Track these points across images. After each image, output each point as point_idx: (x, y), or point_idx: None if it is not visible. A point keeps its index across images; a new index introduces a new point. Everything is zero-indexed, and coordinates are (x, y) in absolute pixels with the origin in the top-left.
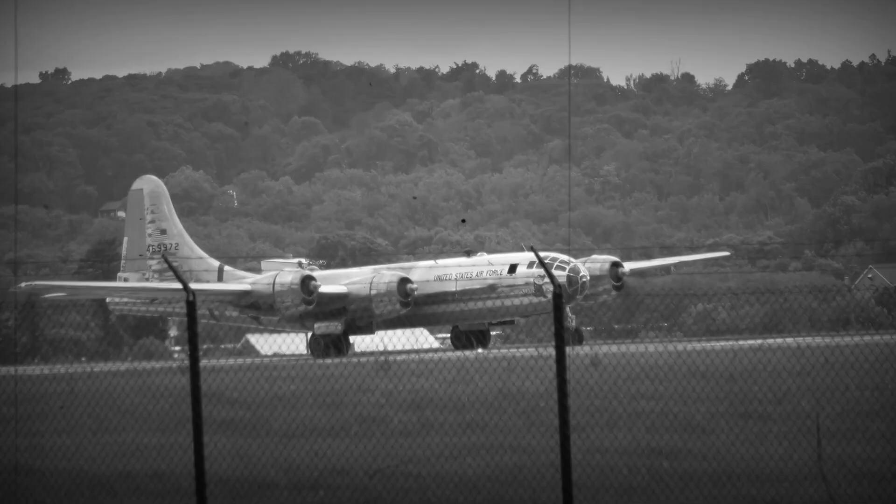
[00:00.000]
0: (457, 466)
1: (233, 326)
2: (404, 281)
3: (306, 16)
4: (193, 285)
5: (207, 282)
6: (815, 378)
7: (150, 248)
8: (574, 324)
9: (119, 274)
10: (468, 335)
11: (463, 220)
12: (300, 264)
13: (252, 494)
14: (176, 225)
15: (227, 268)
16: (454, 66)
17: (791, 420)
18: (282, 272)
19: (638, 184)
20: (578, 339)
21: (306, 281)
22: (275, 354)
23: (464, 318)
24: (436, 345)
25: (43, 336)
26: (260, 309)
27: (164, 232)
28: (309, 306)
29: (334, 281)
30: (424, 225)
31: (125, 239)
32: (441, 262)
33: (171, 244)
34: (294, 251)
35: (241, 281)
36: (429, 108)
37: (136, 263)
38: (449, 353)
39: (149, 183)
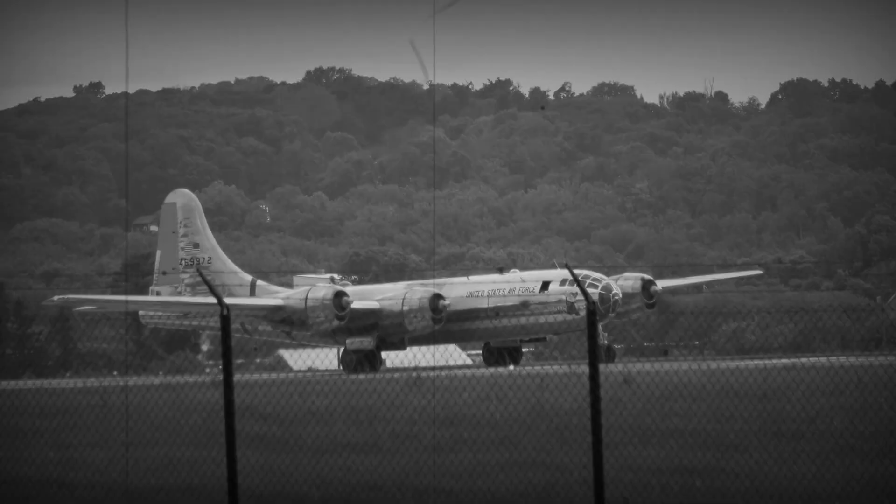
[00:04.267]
0: (489, 483)
1: (266, 341)
2: (437, 297)
3: (340, 31)
4: (227, 300)
5: (240, 296)
6: (848, 397)
7: (183, 262)
8: (606, 341)
9: (151, 287)
10: (500, 352)
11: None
12: (332, 280)
13: None
14: (209, 239)
15: (259, 282)
16: (488, 83)
17: (824, 439)
18: (314, 287)
19: (671, 202)
20: (610, 356)
21: (338, 296)
22: (308, 369)
23: (495, 335)
24: (468, 361)
25: (76, 349)
26: (292, 324)
27: (196, 245)
28: (341, 322)
29: (366, 297)
30: (457, 241)
31: (158, 252)
32: (473, 278)
33: (203, 258)
34: (326, 266)
35: (274, 296)
36: (462, 124)
37: (168, 277)
38: (481, 370)
39: (182, 197)
